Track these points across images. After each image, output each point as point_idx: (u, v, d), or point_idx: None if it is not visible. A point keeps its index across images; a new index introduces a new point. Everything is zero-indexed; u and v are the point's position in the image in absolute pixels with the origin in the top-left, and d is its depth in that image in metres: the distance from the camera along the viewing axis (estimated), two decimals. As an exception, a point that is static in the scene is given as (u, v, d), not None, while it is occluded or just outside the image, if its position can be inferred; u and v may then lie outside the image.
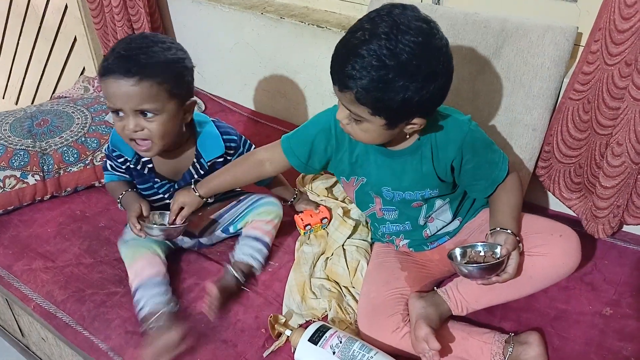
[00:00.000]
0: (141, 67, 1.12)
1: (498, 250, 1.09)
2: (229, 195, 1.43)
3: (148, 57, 1.14)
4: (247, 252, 1.31)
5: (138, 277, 1.25)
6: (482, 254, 1.12)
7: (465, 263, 1.12)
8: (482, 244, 1.13)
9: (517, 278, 1.10)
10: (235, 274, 1.27)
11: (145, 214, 1.28)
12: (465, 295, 1.15)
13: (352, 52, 0.95)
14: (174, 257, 1.37)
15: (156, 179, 1.31)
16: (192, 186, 1.30)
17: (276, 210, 1.37)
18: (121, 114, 1.17)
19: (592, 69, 1.24)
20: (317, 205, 1.48)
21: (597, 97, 1.24)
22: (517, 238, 1.11)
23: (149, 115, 1.16)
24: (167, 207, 1.36)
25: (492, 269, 1.07)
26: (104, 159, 1.38)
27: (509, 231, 1.11)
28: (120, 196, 1.34)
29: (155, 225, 1.26)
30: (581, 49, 1.33)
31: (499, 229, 1.12)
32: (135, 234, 1.26)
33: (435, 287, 1.22)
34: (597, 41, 1.21)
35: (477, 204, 1.29)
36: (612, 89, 1.20)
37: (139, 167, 1.29)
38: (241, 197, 1.41)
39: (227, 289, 1.24)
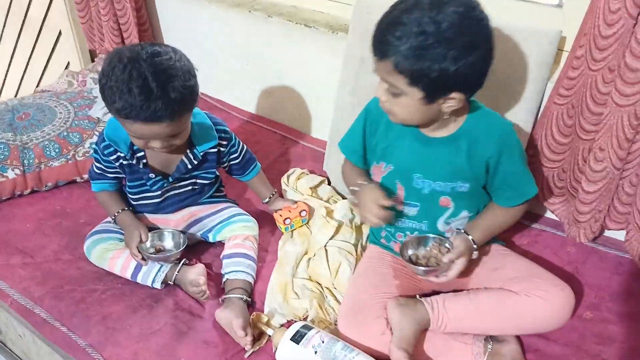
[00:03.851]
0: (172, 112, 1.12)
1: (446, 246, 1.17)
2: (216, 200, 1.45)
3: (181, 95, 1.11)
4: (240, 269, 1.29)
5: (124, 269, 1.30)
6: (429, 247, 1.20)
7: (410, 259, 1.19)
8: (433, 237, 1.20)
9: (507, 314, 1.11)
10: (240, 297, 1.23)
11: (144, 239, 1.29)
12: (450, 312, 1.13)
13: (394, 21, 0.99)
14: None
15: (150, 174, 1.29)
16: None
17: (253, 226, 1.39)
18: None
19: (576, 74, 1.25)
20: (294, 201, 1.48)
21: (581, 103, 1.25)
22: (475, 246, 1.16)
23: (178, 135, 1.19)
24: (158, 206, 1.37)
25: (432, 271, 1.15)
26: (92, 165, 1.35)
27: (470, 238, 1.16)
28: (117, 213, 1.34)
29: (154, 255, 1.29)
30: (566, 54, 1.34)
31: (463, 231, 1.17)
32: (137, 261, 1.29)
33: (418, 295, 1.19)
34: (582, 46, 1.22)
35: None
36: (596, 95, 1.21)
37: (133, 162, 1.27)
38: (220, 207, 1.42)
39: (244, 316, 1.18)
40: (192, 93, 1.16)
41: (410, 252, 1.20)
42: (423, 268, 1.15)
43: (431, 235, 1.20)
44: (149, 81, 1.07)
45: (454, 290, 1.21)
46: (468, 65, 0.98)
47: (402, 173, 1.20)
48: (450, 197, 1.19)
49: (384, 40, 0.99)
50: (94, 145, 1.36)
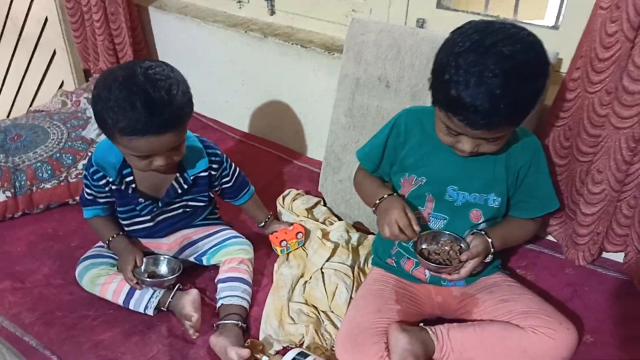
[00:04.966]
0: (177, 120, 1.12)
1: (461, 245, 1.17)
2: (210, 222, 1.43)
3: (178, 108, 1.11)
4: (236, 294, 1.27)
5: (116, 295, 1.27)
6: (444, 240, 1.19)
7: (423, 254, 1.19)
8: (449, 234, 1.19)
9: (511, 348, 1.09)
10: (236, 323, 1.21)
11: (139, 264, 1.27)
12: (453, 342, 1.11)
13: (491, 99, 0.95)
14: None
15: (139, 199, 1.27)
16: None
17: (248, 249, 1.37)
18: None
19: (573, 96, 1.25)
20: (290, 224, 1.46)
21: (578, 125, 1.25)
22: (492, 249, 1.17)
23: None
24: (150, 230, 1.34)
25: (444, 268, 1.16)
26: (82, 191, 1.33)
27: (489, 240, 1.17)
28: (111, 239, 1.32)
29: (149, 280, 1.28)
30: (562, 75, 1.34)
31: (484, 233, 1.17)
32: (131, 286, 1.26)
33: (420, 324, 1.17)
34: (579, 69, 1.21)
35: (495, 263, 1.28)
36: (593, 117, 1.21)
37: (122, 187, 1.25)
38: (214, 229, 1.40)
39: (239, 343, 1.16)
40: (190, 100, 1.16)
41: (424, 246, 1.20)
42: (435, 265, 1.15)
43: (446, 232, 1.19)
44: (150, 93, 1.06)
45: (457, 320, 1.19)
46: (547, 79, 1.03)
47: (435, 185, 1.19)
48: (481, 210, 1.20)
49: (489, 119, 0.97)
50: (83, 171, 1.34)
